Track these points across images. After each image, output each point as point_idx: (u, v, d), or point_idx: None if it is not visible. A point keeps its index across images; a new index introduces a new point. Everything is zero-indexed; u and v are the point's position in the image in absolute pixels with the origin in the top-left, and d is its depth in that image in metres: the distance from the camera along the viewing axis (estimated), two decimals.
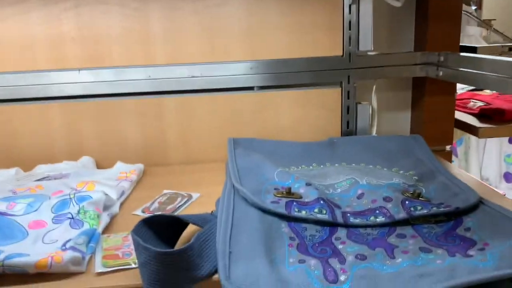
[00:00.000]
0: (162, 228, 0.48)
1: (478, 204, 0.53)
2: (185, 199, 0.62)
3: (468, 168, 2.23)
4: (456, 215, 0.52)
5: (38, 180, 0.67)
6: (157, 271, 0.41)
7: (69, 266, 0.44)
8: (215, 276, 0.43)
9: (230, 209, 0.53)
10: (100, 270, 0.45)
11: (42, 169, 0.73)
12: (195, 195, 0.64)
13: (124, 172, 0.69)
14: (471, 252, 0.44)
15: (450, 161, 0.94)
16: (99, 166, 0.78)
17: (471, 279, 0.39)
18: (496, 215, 0.50)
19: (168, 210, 0.58)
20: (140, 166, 0.74)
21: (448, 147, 0.94)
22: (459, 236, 0.47)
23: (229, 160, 0.67)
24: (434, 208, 0.52)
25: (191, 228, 0.52)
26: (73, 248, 0.46)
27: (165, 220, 0.48)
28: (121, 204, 0.62)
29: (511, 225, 0.47)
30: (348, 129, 0.82)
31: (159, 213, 0.57)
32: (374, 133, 0.83)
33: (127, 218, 0.58)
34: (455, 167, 0.73)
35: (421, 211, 0.51)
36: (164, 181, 0.71)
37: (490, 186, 0.67)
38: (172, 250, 0.41)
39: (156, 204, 0.60)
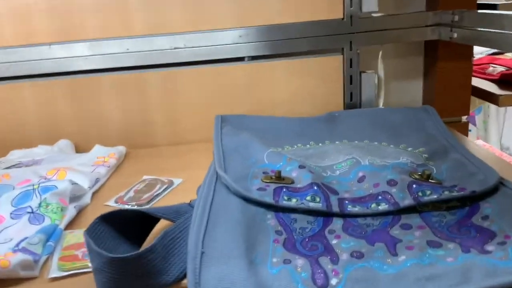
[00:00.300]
0: (127, 225, 0.42)
1: (498, 186, 0.45)
2: (165, 186, 0.55)
3: (487, 137, 2.13)
4: (471, 200, 0.44)
5: (8, 168, 0.61)
6: (112, 279, 0.34)
7: (18, 271, 0.38)
8: (184, 282, 0.37)
9: (208, 198, 0.46)
10: (53, 275, 0.39)
11: (15, 155, 0.67)
12: (176, 181, 0.57)
13: (101, 157, 0.63)
14: (489, 247, 0.37)
15: (467, 133, 0.86)
16: (78, 149, 0.72)
17: (489, 284, 0.32)
18: None
19: (144, 199, 0.52)
20: (121, 148, 0.68)
21: (464, 118, 0.85)
22: (475, 226, 0.40)
23: (214, 140, 0.60)
24: (446, 192, 0.44)
25: (167, 222, 0.45)
26: (24, 250, 0.40)
27: (129, 215, 0.42)
28: (94, 194, 0.56)
29: None
30: (352, 102, 0.73)
31: (133, 203, 0.51)
32: (381, 105, 0.75)
33: (98, 210, 0.51)
34: (472, 142, 0.64)
35: (430, 196, 0.44)
36: (147, 165, 0.64)
37: None
38: (128, 255, 0.34)
39: (131, 193, 0.54)
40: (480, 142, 1.83)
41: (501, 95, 0.83)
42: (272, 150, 0.56)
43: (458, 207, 0.44)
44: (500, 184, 0.46)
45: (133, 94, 0.71)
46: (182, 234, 0.41)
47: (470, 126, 1.95)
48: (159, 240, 0.37)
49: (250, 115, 0.69)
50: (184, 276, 0.37)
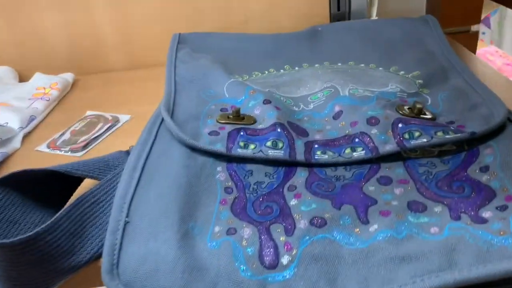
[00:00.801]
0: (41, 186, 0.34)
1: (505, 124, 0.36)
2: (108, 125, 0.46)
3: (501, 41, 1.98)
4: (470, 143, 0.36)
5: None
6: (3, 268, 0.28)
7: None
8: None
9: (146, 147, 0.37)
10: None
11: None
12: (123, 118, 0.48)
13: (41, 88, 0.54)
14: (485, 213, 0.29)
15: (476, 46, 0.74)
16: (22, 78, 0.62)
17: (478, 274, 0.24)
18: None
19: (80, 144, 0.43)
20: (67, 76, 0.58)
21: (474, 28, 0.73)
22: (470, 181, 0.32)
23: (166, 69, 0.50)
24: (439, 133, 0.35)
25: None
26: None
27: (40, 175, 0.34)
28: (27, 135, 0.48)
29: None
30: (339, 12, 0.61)
31: (66, 148, 0.43)
32: (374, 15, 0.63)
33: (27, 157, 0.43)
34: (479, 60, 0.54)
35: (419, 139, 0.35)
36: (95, 96, 0.55)
37: None
38: (17, 239, 0.27)
39: (67, 135, 0.45)
40: (493, 48, 1.69)
41: None
42: (234, 80, 0.46)
43: (453, 152, 0.35)
44: (508, 120, 0.37)
45: (77, 9, 0.60)
46: (106, 196, 0.33)
47: (484, 29, 1.79)
48: (66, 213, 0.30)
49: (216, 33, 0.58)
50: (101, 255, 0.30)
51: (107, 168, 0.36)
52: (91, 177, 0.34)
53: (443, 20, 0.69)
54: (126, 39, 0.62)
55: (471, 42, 0.73)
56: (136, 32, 0.61)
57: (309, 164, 0.36)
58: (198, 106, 0.43)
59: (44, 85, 0.54)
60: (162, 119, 0.41)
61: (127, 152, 0.39)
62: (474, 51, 0.73)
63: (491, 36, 1.86)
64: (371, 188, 0.32)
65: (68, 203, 0.35)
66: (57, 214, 0.29)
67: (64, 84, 0.56)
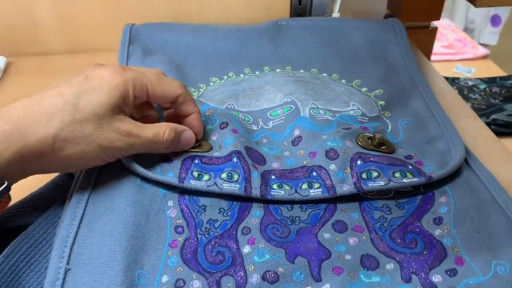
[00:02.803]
0: None
1: (461, 167, 0.36)
2: None
3: (454, 8, 2.01)
4: (426, 185, 0.35)
5: None
6: None
7: None
8: None
9: (92, 175, 0.34)
10: None
11: None
12: None
13: None
14: (435, 277, 0.29)
15: (433, 42, 0.74)
16: None
17: None
18: (486, 198, 0.34)
19: None
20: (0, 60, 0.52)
21: (433, 24, 0.73)
22: (423, 234, 0.32)
23: None
24: (397, 174, 0.35)
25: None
26: None
27: None
28: None
29: (508, 225, 0.31)
30: (301, 6, 0.58)
31: None
32: (336, 10, 0.60)
33: None
34: (437, 74, 0.53)
35: (376, 181, 0.34)
36: (30, 87, 0.49)
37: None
38: None
39: None
40: (446, 21, 1.71)
41: None
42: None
43: (409, 194, 0.35)
44: (464, 162, 0.37)
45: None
46: (46, 236, 0.31)
47: None
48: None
49: (171, 25, 0.53)
50: None
51: (47, 203, 0.32)
52: (30, 223, 0.31)
53: (404, 14, 0.68)
54: (65, 20, 0.55)
55: (430, 37, 0.73)
56: (76, 13, 0.55)
57: (265, 201, 0.34)
58: None
59: None
60: None
61: (70, 175, 0.36)
62: (431, 48, 0.73)
63: (445, 4, 1.88)
64: (326, 235, 0.32)
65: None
66: None
67: None
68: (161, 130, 0.34)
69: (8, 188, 0.28)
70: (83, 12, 0.55)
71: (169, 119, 0.38)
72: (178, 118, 0.37)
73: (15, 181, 0.29)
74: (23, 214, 0.31)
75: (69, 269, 0.28)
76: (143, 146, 0.33)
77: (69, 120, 0.29)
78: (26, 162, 0.28)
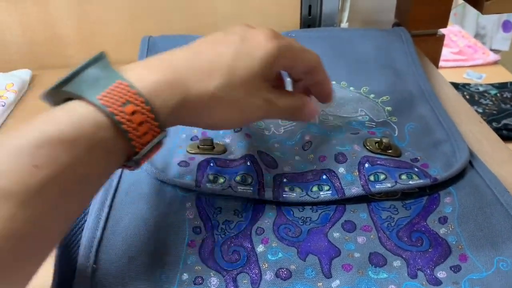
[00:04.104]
0: None
1: (465, 169, 0.38)
2: None
3: (464, 14, 2.01)
4: (432, 186, 0.37)
5: None
6: None
7: None
8: None
9: (113, 179, 0.37)
10: None
11: None
12: None
13: None
14: (440, 273, 0.30)
15: (441, 49, 0.75)
16: None
17: None
18: (490, 198, 0.35)
19: None
20: (23, 74, 0.55)
21: (440, 31, 0.74)
22: (429, 233, 0.33)
23: None
24: (403, 177, 0.36)
25: None
26: None
27: None
28: None
29: (510, 223, 0.33)
30: (310, 17, 0.60)
31: None
32: (345, 20, 0.62)
33: None
34: (443, 80, 0.55)
35: (384, 183, 0.36)
36: None
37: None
38: None
39: None
40: (456, 28, 1.71)
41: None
42: None
43: (415, 195, 0.37)
44: (468, 164, 0.38)
45: (33, 2, 0.56)
46: (74, 238, 0.33)
47: None
48: None
49: (187, 36, 0.56)
50: None
51: None
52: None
53: (411, 23, 0.69)
54: (85, 34, 0.58)
55: (437, 44, 0.74)
56: (97, 28, 0.58)
57: (277, 202, 0.36)
58: (168, 136, 0.42)
59: None
60: None
61: None
62: (439, 54, 0.74)
63: (455, 10, 1.89)
64: (336, 234, 0.33)
65: None
66: None
67: (21, 85, 0.53)
68: (297, 102, 0.34)
69: (165, 136, 0.29)
70: (103, 27, 0.58)
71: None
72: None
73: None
74: None
75: (95, 268, 0.30)
76: (278, 115, 0.34)
77: (226, 82, 0.29)
78: (183, 113, 0.29)
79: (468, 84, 1.31)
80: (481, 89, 1.29)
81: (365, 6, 0.65)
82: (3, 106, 0.49)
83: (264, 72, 0.31)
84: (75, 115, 0.24)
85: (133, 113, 0.25)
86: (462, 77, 1.37)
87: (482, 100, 1.25)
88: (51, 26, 0.57)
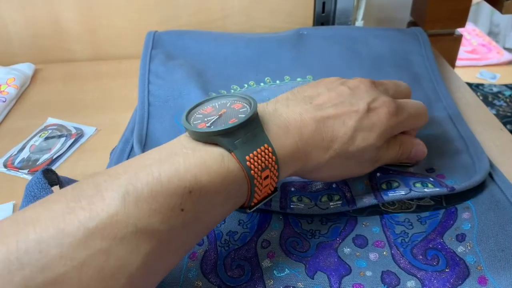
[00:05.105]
0: None
1: (485, 182, 0.36)
2: (71, 141, 0.43)
3: (478, 12, 1.97)
4: (449, 199, 0.35)
5: None
6: None
7: None
8: None
9: None
10: None
11: None
12: (88, 130, 0.45)
13: None
14: None
15: (458, 49, 0.72)
16: None
17: None
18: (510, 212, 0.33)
19: (40, 166, 0.40)
20: (25, 68, 0.53)
21: (458, 31, 0.71)
22: (445, 251, 0.31)
23: (139, 83, 0.46)
24: (418, 185, 0.34)
25: None
26: None
27: None
28: None
29: None
30: (324, 14, 0.58)
31: (25, 171, 0.40)
32: (360, 18, 0.60)
33: None
34: (462, 83, 0.52)
35: (397, 191, 0.34)
36: (57, 95, 0.51)
37: None
38: None
39: (26, 151, 0.42)
40: (470, 26, 1.68)
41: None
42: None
43: (431, 208, 0.35)
44: (488, 176, 0.36)
45: (39, 5, 0.54)
46: None
47: None
48: None
49: (193, 32, 0.54)
50: None
51: None
52: None
53: (428, 22, 0.67)
54: (91, 28, 0.56)
55: (454, 45, 0.72)
56: (102, 22, 0.56)
57: (285, 214, 0.34)
58: (173, 138, 0.40)
59: (0, 81, 0.49)
60: (132, 148, 0.38)
61: None
62: (456, 56, 0.72)
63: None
64: (346, 250, 0.32)
65: None
66: None
67: (23, 80, 0.51)
68: (401, 149, 0.35)
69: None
70: (108, 21, 0.56)
71: None
72: None
73: None
74: None
75: None
76: (384, 163, 0.35)
77: (342, 152, 0.31)
78: (297, 174, 0.31)
79: (482, 85, 1.28)
80: (495, 90, 1.26)
81: (381, 4, 0.63)
82: (3, 101, 0.47)
83: (379, 143, 0.32)
84: (224, 168, 0.26)
85: (266, 177, 0.27)
86: (475, 77, 1.33)
87: (496, 102, 1.22)
88: (55, 19, 0.55)
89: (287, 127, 0.29)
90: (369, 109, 0.32)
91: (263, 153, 0.27)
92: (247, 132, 0.27)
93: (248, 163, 0.26)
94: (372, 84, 0.34)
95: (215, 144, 0.27)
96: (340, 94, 0.32)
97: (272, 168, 0.27)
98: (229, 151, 0.26)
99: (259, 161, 0.27)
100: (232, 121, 0.27)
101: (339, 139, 0.30)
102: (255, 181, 0.27)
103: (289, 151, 0.29)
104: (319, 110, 0.31)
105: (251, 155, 0.26)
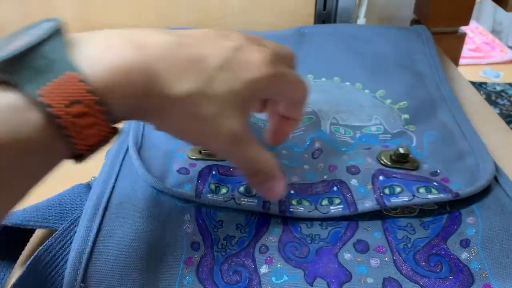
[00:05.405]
0: None
1: (490, 186, 0.35)
2: None
3: (480, 9, 1.96)
4: (453, 203, 0.34)
5: None
6: None
7: None
8: None
9: (107, 187, 0.34)
10: None
11: None
12: None
13: None
14: None
15: (462, 48, 0.71)
16: None
17: None
18: None
19: None
20: None
21: (462, 29, 0.70)
22: (449, 257, 0.30)
23: None
24: (421, 191, 0.33)
25: None
26: None
27: None
28: None
29: None
30: (325, 12, 0.57)
31: None
32: (362, 15, 0.59)
33: None
34: (465, 82, 0.51)
35: (400, 197, 0.33)
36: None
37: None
38: None
39: None
40: (473, 24, 1.66)
41: None
42: None
43: (434, 213, 0.34)
44: (493, 180, 0.35)
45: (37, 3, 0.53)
46: (62, 251, 0.30)
47: None
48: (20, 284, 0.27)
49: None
50: None
51: (64, 213, 0.32)
52: (45, 227, 0.31)
53: (431, 20, 0.66)
54: (89, 26, 0.56)
55: (458, 43, 0.71)
56: (101, 20, 0.55)
57: (284, 217, 0.33)
58: (169, 139, 0.39)
59: None
60: (127, 148, 0.37)
61: (87, 186, 0.36)
62: (459, 55, 0.71)
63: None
64: (347, 256, 0.31)
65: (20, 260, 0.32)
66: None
67: None
68: (267, 166, 0.29)
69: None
70: (106, 19, 0.55)
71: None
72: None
73: None
74: (42, 220, 0.31)
75: (84, 286, 0.28)
76: (237, 162, 0.29)
77: (200, 90, 0.24)
78: (139, 112, 0.24)
79: (485, 83, 1.26)
80: (498, 88, 1.25)
81: (383, 1, 0.61)
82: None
83: (245, 97, 0.26)
84: (9, 113, 0.19)
85: (83, 115, 0.21)
86: (478, 76, 1.32)
87: (499, 100, 1.21)
88: (51, 16, 0.54)
89: (116, 38, 0.23)
90: (240, 49, 0.26)
91: (67, 83, 0.20)
92: (40, 59, 0.20)
93: (43, 98, 0.20)
94: (246, 36, 0.28)
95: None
96: (207, 35, 0.27)
97: (88, 101, 0.21)
98: (17, 89, 0.20)
99: (62, 93, 0.20)
100: (15, 46, 0.20)
101: (198, 72, 0.24)
102: (63, 122, 0.20)
103: (115, 70, 0.21)
104: (180, 33, 0.25)
105: (45, 88, 0.20)
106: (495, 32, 1.90)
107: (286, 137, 0.35)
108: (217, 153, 0.30)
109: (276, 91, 0.29)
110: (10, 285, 0.27)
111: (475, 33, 1.60)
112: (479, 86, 1.25)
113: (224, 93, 0.25)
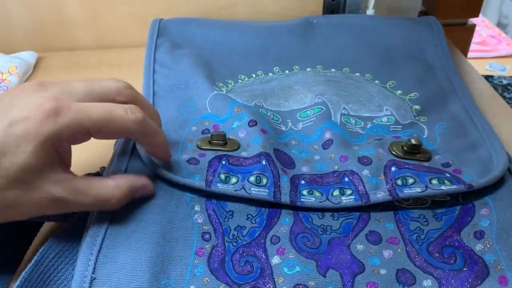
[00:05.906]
0: None
1: (503, 177, 0.34)
2: None
3: (486, 2, 1.94)
4: (466, 194, 0.34)
5: None
6: None
7: None
8: None
9: None
10: None
11: None
12: None
13: None
14: None
15: (471, 40, 0.71)
16: None
17: None
18: None
19: None
20: (28, 56, 0.51)
21: (471, 21, 0.69)
22: (463, 249, 0.30)
23: (144, 71, 0.45)
24: (434, 182, 0.33)
25: None
26: None
27: None
28: None
29: None
30: (334, 2, 0.56)
31: None
32: (371, 6, 0.58)
33: None
34: (477, 75, 0.51)
35: (412, 188, 0.33)
36: (60, 79, 0.48)
37: None
38: None
39: None
40: (480, 17, 1.65)
41: None
42: (217, 92, 0.42)
43: (447, 204, 0.33)
44: (507, 171, 0.35)
45: None
46: (72, 243, 0.30)
47: None
48: (28, 275, 0.26)
49: (199, 20, 0.53)
50: None
51: None
52: (55, 221, 0.31)
53: (440, 11, 0.65)
54: (94, 16, 0.55)
55: (467, 35, 0.70)
56: (106, 9, 0.55)
57: (295, 207, 0.33)
58: (178, 128, 0.39)
59: (1, 69, 0.48)
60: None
61: (99, 173, 0.35)
62: (468, 47, 0.70)
63: None
64: (359, 247, 0.30)
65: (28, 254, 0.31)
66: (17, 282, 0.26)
67: (25, 68, 0.50)
68: (108, 193, 0.28)
69: None
70: (112, 9, 0.55)
71: None
72: None
73: None
74: None
75: (94, 278, 0.27)
76: (81, 209, 0.28)
77: None
78: None
79: (491, 77, 1.25)
80: (504, 82, 1.24)
81: None
82: (5, 90, 0.46)
83: (43, 165, 0.24)
84: None
85: None
86: (484, 69, 1.31)
87: (505, 94, 1.20)
88: (58, 7, 0.54)
89: None
90: (12, 120, 0.24)
91: None
92: None
93: None
94: (38, 85, 0.26)
95: None
96: None
97: None
98: None
99: None
100: None
101: None
102: None
103: None
104: None
105: None
106: (501, 25, 1.88)
107: (165, 154, 0.33)
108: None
109: (77, 137, 0.27)
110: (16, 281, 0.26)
111: (481, 26, 1.59)
112: (485, 79, 1.24)
113: (13, 177, 0.24)
